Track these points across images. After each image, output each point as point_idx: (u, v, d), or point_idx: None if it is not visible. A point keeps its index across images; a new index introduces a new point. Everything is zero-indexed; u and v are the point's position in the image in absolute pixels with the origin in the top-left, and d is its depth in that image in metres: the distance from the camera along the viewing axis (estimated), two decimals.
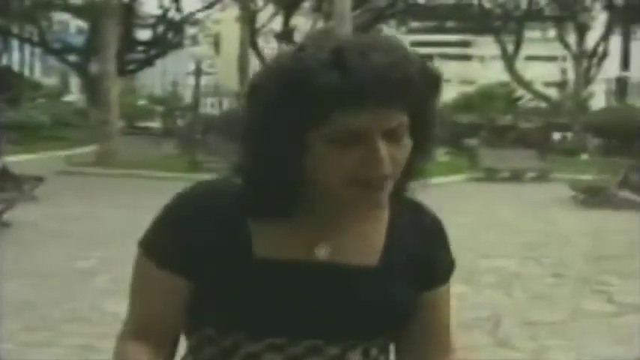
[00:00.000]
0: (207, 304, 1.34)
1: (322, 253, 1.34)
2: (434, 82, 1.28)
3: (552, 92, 44.39)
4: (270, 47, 37.42)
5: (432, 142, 1.33)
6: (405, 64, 1.21)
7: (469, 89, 43.82)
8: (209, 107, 48.43)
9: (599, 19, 39.16)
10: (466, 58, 79.13)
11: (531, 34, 47.63)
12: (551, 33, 51.07)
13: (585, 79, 37.55)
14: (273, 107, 1.23)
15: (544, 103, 40.07)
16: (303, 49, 1.24)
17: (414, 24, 48.10)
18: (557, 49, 72.03)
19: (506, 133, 30.03)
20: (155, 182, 18.71)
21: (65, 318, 6.69)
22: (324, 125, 1.20)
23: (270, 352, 1.32)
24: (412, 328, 1.42)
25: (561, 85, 41.47)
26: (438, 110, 1.32)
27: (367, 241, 1.38)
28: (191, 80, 44.00)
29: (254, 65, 35.67)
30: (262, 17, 37.12)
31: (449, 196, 17.76)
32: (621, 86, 50.08)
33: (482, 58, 76.21)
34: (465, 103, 37.00)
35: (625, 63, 49.40)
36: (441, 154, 29.81)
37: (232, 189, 1.35)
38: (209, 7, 39.87)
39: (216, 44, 38.32)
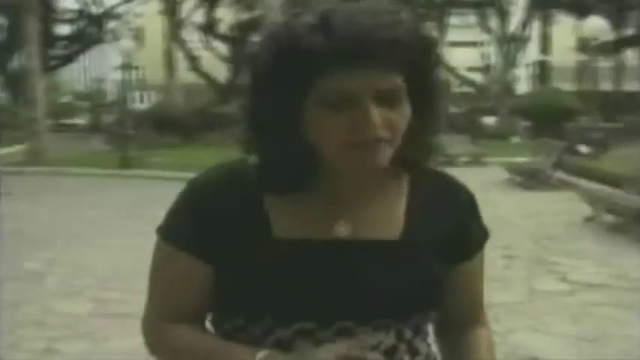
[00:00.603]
0: (233, 292, 1.32)
1: (342, 230, 1.32)
2: (427, 45, 1.26)
3: (476, 77, 45.10)
4: (194, 40, 36.92)
5: (435, 111, 1.31)
6: (393, 26, 1.19)
7: None
8: (136, 102, 47.68)
9: (519, 4, 39.88)
10: None
11: (452, 20, 48.13)
12: (472, 19, 51.85)
13: (509, 63, 38.20)
14: (267, 75, 1.23)
15: (470, 88, 40.68)
16: (294, 16, 1.24)
17: None
18: (477, 35, 73.43)
19: None
20: (89, 179, 18.40)
21: (21, 322, 6.47)
22: (314, 89, 1.21)
23: (300, 337, 1.29)
24: (448, 301, 1.41)
25: (486, 69, 42.12)
26: (440, 79, 1.30)
27: (387, 216, 1.36)
28: (115, 75, 43.17)
29: (179, 58, 35.21)
30: (185, 9, 36.53)
31: None
32: (542, 70, 51.16)
33: None
34: None
35: (545, 47, 50.49)
36: None
37: (246, 170, 1.34)
38: (129, 0, 39.13)
39: (140, 38, 37.61)
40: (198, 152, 19.95)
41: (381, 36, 1.18)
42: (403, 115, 1.24)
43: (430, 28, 1.28)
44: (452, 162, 22.64)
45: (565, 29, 47.08)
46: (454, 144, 23.83)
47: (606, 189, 12.20)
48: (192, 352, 1.35)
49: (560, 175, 15.94)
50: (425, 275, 1.34)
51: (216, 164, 1.41)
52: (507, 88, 36.96)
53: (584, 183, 14.40)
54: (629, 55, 40.13)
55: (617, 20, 34.11)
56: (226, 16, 36.00)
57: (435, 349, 1.49)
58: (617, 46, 38.11)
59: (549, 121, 27.80)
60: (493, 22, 38.99)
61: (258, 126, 1.28)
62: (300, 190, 1.32)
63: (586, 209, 11.49)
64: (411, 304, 1.34)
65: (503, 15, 38.29)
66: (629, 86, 38.67)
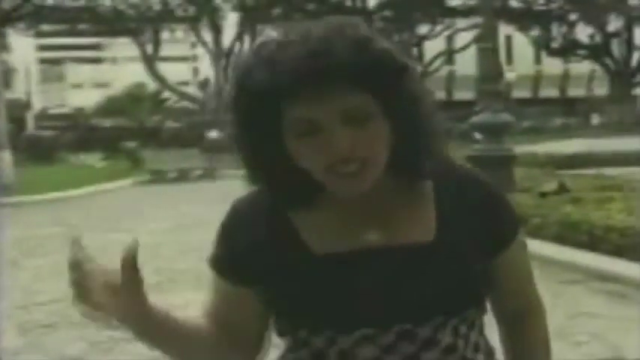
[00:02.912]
0: (287, 312, 1.36)
1: (376, 238, 1.35)
2: (380, 58, 1.24)
3: (190, 91, 45.31)
4: None
5: (417, 117, 1.30)
6: (327, 50, 1.19)
7: (114, 92, 42.99)
8: None
9: (231, 19, 40.69)
10: (98, 60, 77.62)
11: (161, 35, 47.95)
12: (179, 34, 52.02)
13: (225, 77, 38.83)
14: (242, 116, 1.29)
15: (187, 103, 40.76)
16: (248, 57, 1.27)
17: (45, 27, 45.86)
18: (186, 50, 74.02)
19: (160, 134, 30.07)
20: None
21: None
22: (281, 122, 1.25)
23: (362, 344, 1.31)
24: (497, 292, 1.46)
25: (203, 84, 42.40)
26: (410, 85, 1.28)
27: (416, 219, 1.38)
28: None
29: None
30: None
31: (126, 202, 17.38)
32: None
33: (114, 60, 75.41)
34: (112, 106, 36.29)
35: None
36: (98, 160, 29.17)
37: (263, 197, 1.39)
38: None
39: None
40: None
41: (314, 64, 1.18)
42: (376, 131, 1.25)
43: (378, 42, 1.25)
44: (186, 177, 22.58)
45: None
46: (185, 159, 23.79)
47: None
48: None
49: None
50: (465, 271, 1.36)
51: (250, 191, 1.43)
52: (225, 102, 37.45)
53: None
54: None
55: None
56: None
57: (489, 342, 1.49)
58: None
59: None
60: (207, 37, 39.37)
61: (252, 159, 1.33)
62: (313, 206, 1.36)
63: None
64: (460, 300, 1.36)
65: (217, 30, 38.82)
66: None
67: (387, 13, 41.24)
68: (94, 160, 28.71)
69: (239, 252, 1.39)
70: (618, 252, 7.24)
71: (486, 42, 11.80)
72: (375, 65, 1.23)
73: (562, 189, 9.88)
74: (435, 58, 45.41)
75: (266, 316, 1.42)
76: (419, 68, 34.75)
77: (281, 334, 1.43)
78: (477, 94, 11.34)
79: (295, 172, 1.30)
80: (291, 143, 1.26)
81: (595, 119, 49.62)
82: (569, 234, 7.93)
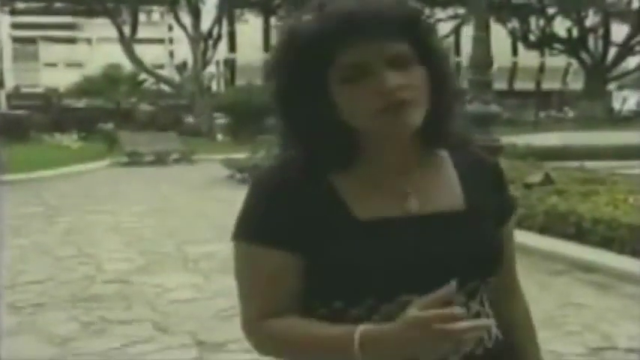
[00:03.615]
0: (329, 278, 1.37)
1: (414, 204, 1.41)
2: (416, 14, 1.40)
3: (167, 74, 44.92)
4: None
5: (447, 74, 1.42)
6: (375, 2, 1.35)
7: (88, 73, 42.42)
8: None
9: (210, 3, 40.32)
10: (73, 40, 76.65)
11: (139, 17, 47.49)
12: (156, 16, 51.56)
13: (203, 61, 38.53)
14: (290, 72, 1.38)
15: (164, 86, 40.42)
16: (301, 12, 1.40)
17: (20, 4, 45.27)
18: (163, 32, 73.32)
19: (137, 116, 29.83)
20: None
21: None
22: (333, 69, 1.34)
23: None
24: None
25: (181, 67, 42.04)
26: (439, 45, 1.43)
27: (446, 188, 1.46)
28: None
29: None
30: None
31: (104, 183, 17.23)
32: (230, 68, 52.30)
33: (89, 41, 74.52)
34: (89, 87, 35.90)
35: (232, 45, 51.71)
36: (74, 141, 28.86)
37: (299, 162, 1.41)
38: None
39: None
40: None
41: (379, 9, 1.34)
42: (416, 75, 1.35)
43: (414, 5, 1.41)
44: (163, 160, 22.41)
45: (253, 28, 48.64)
46: (163, 142, 23.57)
47: None
48: (301, 341, 1.38)
49: None
50: (495, 236, 1.46)
51: (271, 164, 1.48)
52: (203, 86, 37.25)
53: None
54: None
55: None
56: None
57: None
58: None
59: (249, 117, 28.47)
60: (186, 19, 38.98)
61: (297, 118, 1.40)
62: (351, 169, 1.41)
63: None
64: (491, 264, 1.44)
65: (196, 13, 38.46)
66: None
67: None
68: (69, 140, 28.42)
69: (289, 216, 1.38)
70: (605, 244, 7.31)
71: (480, 31, 11.81)
72: (413, 18, 1.38)
73: (547, 180, 9.95)
74: None
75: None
76: None
77: (309, 308, 1.41)
78: (467, 84, 11.37)
79: (337, 130, 1.38)
80: (341, 90, 1.35)
81: (569, 113, 50.03)
82: (556, 225, 7.99)
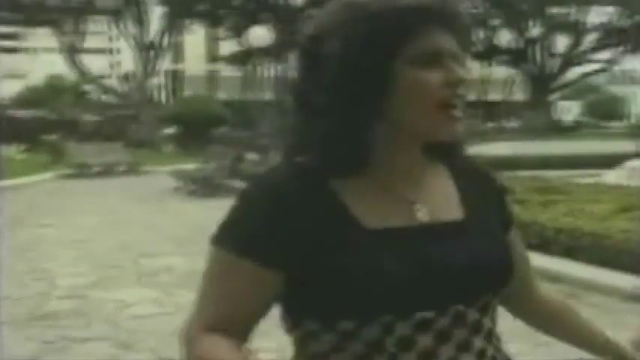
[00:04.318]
0: (338, 296, 1.24)
1: (423, 214, 1.34)
2: (461, 10, 1.37)
3: (111, 84, 44.33)
4: None
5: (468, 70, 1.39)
6: None
7: (31, 83, 41.62)
8: None
9: (155, 12, 39.92)
10: (14, 50, 75.33)
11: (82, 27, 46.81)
12: (98, 26, 50.87)
13: (148, 71, 38.08)
14: (354, 46, 1.26)
15: (108, 96, 39.85)
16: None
17: None
18: (105, 42, 72.47)
19: (82, 127, 29.30)
20: None
21: None
22: (406, 50, 1.26)
23: (419, 331, 1.25)
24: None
25: (125, 77, 41.47)
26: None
27: (447, 197, 1.40)
28: None
29: None
30: None
31: (49, 196, 16.81)
32: (175, 78, 51.92)
33: (32, 51, 73.32)
34: (32, 98, 35.16)
35: (177, 56, 51.33)
36: (17, 152, 28.19)
37: (302, 165, 1.30)
38: None
39: None
40: None
41: (449, 1, 1.31)
42: (469, 73, 1.34)
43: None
44: (110, 171, 22.00)
45: (197, 38, 48.34)
46: (109, 153, 23.16)
47: None
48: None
49: (235, 182, 16.08)
50: (502, 246, 1.39)
51: (265, 172, 1.34)
52: (148, 97, 36.82)
53: None
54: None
55: (280, 29, 35.18)
56: None
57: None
58: (245, 58, 39.97)
59: (198, 128, 28.23)
60: (131, 30, 38.53)
61: (333, 100, 1.27)
62: (362, 168, 1.30)
63: None
64: (502, 276, 1.37)
65: (142, 23, 38.04)
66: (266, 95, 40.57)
67: (314, 12, 41.09)
68: (12, 152, 27.75)
69: (276, 227, 1.25)
70: (568, 254, 7.33)
71: None
72: (463, 15, 1.35)
73: None
74: None
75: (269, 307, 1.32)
76: None
77: (310, 333, 1.30)
78: None
79: (368, 129, 1.28)
80: (410, 72, 1.26)
81: (512, 123, 50.73)
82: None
